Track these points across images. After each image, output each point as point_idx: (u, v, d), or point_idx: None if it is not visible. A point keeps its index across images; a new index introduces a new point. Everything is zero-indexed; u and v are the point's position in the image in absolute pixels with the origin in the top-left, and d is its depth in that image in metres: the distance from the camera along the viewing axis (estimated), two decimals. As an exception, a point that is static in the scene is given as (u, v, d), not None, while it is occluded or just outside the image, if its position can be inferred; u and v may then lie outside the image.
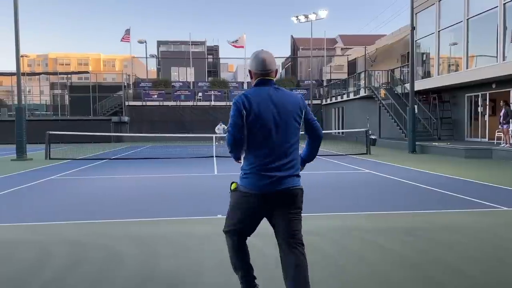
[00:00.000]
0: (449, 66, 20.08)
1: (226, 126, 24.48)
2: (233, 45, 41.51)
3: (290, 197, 2.69)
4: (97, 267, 3.86)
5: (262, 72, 2.79)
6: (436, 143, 17.49)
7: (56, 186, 9.17)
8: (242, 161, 2.74)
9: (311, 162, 2.98)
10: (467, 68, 17.93)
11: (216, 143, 24.30)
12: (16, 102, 18.14)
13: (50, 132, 17.04)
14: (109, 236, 4.96)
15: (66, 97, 37.66)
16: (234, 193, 2.77)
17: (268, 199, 2.64)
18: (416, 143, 17.39)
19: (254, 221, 2.78)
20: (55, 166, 13.47)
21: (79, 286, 3.43)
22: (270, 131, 2.61)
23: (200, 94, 36.69)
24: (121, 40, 39.42)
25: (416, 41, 20.33)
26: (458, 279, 3.51)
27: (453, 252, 4.21)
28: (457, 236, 4.80)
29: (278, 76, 45.49)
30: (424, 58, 22.19)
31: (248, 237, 2.91)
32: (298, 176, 2.77)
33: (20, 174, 11.38)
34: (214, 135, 23.46)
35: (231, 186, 2.79)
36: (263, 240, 4.67)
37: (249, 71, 2.86)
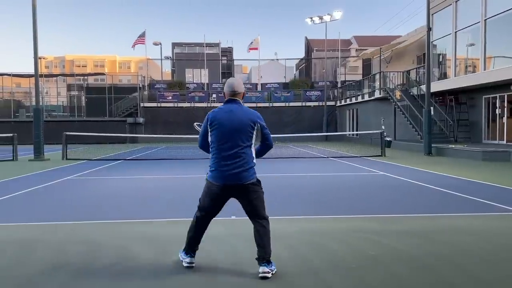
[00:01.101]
0: (466, 67, 19.78)
1: None
2: (250, 49, 41.69)
3: (244, 188, 3.64)
4: (113, 267, 3.91)
5: (230, 93, 3.71)
6: (453, 145, 17.24)
7: (73, 186, 9.31)
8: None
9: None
10: (484, 69, 17.64)
11: None
12: (34, 103, 18.46)
13: (67, 133, 17.31)
14: (124, 236, 5.01)
15: (83, 98, 38.20)
16: (206, 182, 3.75)
17: (227, 189, 3.63)
18: (432, 145, 17.16)
19: (211, 205, 3.73)
20: (71, 167, 13.67)
21: (95, 285, 3.47)
22: (226, 139, 3.56)
23: (214, 95, 36.84)
24: (133, 46, 39.60)
25: (432, 42, 20.08)
26: (474, 284, 3.45)
27: (469, 256, 4.14)
28: (474, 240, 4.72)
29: (292, 77, 45.39)
30: (441, 59, 21.91)
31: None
32: (249, 170, 3.65)
33: (37, 174, 11.58)
34: None
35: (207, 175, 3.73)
36: (277, 242, 4.67)
37: (223, 93, 3.79)
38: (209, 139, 3.68)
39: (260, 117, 3.71)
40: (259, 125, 3.67)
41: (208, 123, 3.65)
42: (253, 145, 3.71)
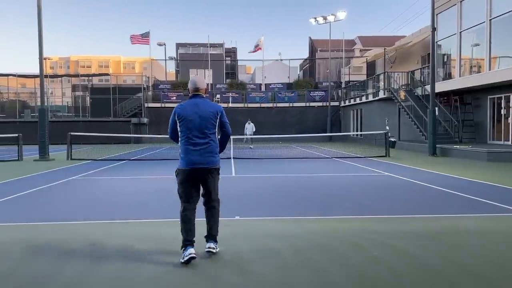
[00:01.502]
0: (471, 67, 19.69)
1: (253, 124, 24.45)
2: (255, 51, 41.78)
3: (209, 171, 4.13)
4: (117, 267, 3.92)
5: (194, 89, 4.23)
6: (458, 146, 17.16)
7: (78, 186, 9.34)
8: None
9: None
10: (489, 69, 17.55)
11: (251, 146, 23.57)
12: (39, 104, 18.56)
13: (72, 133, 17.38)
14: (129, 236, 5.02)
15: (87, 98, 38.33)
16: (178, 172, 4.15)
17: (196, 172, 4.07)
18: (437, 145, 17.09)
19: (189, 190, 4.13)
20: (76, 167, 13.72)
21: (100, 285, 3.48)
22: (193, 129, 4.07)
23: (218, 96, 36.89)
24: (133, 43, 39.66)
25: (437, 42, 20.00)
26: (479, 285, 3.43)
27: (476, 258, 4.12)
28: (480, 242, 4.70)
29: (295, 77, 45.36)
30: (445, 60, 21.81)
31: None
32: (216, 156, 4.18)
33: (42, 174, 11.64)
34: (245, 137, 23.15)
35: (175, 172, 4.17)
36: (281, 243, 4.67)
37: (188, 89, 4.28)
38: (178, 129, 4.16)
39: (221, 108, 4.25)
40: (219, 114, 4.18)
41: (176, 116, 4.15)
42: (216, 133, 4.21)
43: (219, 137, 4.32)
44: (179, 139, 4.16)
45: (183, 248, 3.98)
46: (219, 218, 4.32)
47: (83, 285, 3.48)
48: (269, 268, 3.84)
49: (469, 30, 19.07)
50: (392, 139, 20.76)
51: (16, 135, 17.23)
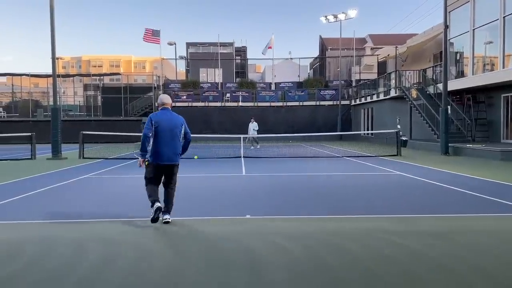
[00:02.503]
0: (484, 65, 19.44)
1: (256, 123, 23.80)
2: (268, 48, 41.79)
3: (172, 166, 5.63)
4: (130, 264, 3.95)
5: (162, 104, 5.70)
6: (470, 145, 16.96)
7: (90, 185, 9.44)
8: (149, 148, 5.49)
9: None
10: (503, 67, 17.31)
11: (252, 147, 22.17)
12: (51, 103, 18.78)
13: (84, 132, 17.55)
14: (141, 234, 5.06)
15: (99, 98, 38.68)
16: (149, 164, 5.56)
17: (164, 166, 5.56)
18: (449, 144, 16.91)
19: (158, 176, 5.62)
20: (88, 165, 13.86)
21: (113, 282, 3.52)
22: (165, 134, 5.46)
23: (228, 95, 36.92)
24: (145, 40, 39.80)
25: (449, 40, 19.78)
26: (491, 284, 3.40)
27: (488, 258, 4.08)
28: (493, 241, 4.64)
29: (306, 76, 45.11)
30: (458, 58, 21.56)
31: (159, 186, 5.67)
32: (178, 155, 5.61)
33: (55, 173, 11.77)
34: (248, 135, 22.48)
35: (145, 163, 5.55)
36: (292, 241, 4.66)
37: (158, 104, 5.78)
38: (151, 133, 5.43)
39: (184, 121, 5.71)
40: (184, 125, 5.66)
41: (153, 122, 5.44)
42: (181, 139, 5.64)
43: (182, 143, 5.70)
44: (152, 140, 5.53)
45: (152, 208, 5.38)
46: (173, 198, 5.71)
47: (97, 283, 3.51)
48: (280, 266, 3.84)
49: (482, 28, 18.82)
50: (404, 138, 20.60)
51: (29, 134, 17.44)
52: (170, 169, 5.58)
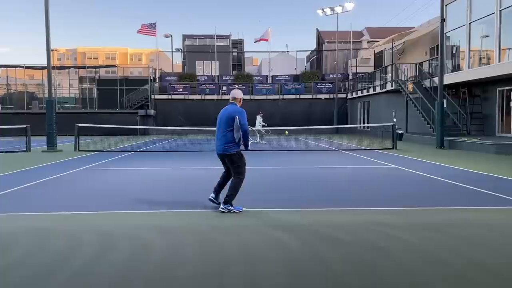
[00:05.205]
0: (480, 59, 19.47)
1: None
2: (259, 40, 41.53)
3: (223, 156, 5.86)
4: (125, 256, 3.95)
5: (231, 98, 5.98)
6: (466, 138, 17.03)
7: (85, 177, 9.42)
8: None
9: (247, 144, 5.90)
10: (499, 61, 17.34)
11: (263, 141, 21.02)
12: (46, 95, 18.66)
13: (79, 125, 17.48)
14: (136, 226, 5.06)
15: (94, 90, 38.48)
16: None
17: (218, 156, 5.95)
18: (445, 138, 16.97)
19: (224, 165, 6.04)
20: (84, 158, 13.82)
21: (108, 274, 3.52)
22: (218, 126, 5.84)
23: (224, 87, 36.83)
24: (139, 32, 39.56)
25: (446, 33, 19.76)
26: (485, 276, 3.43)
27: (482, 249, 4.11)
28: (488, 233, 4.68)
29: (302, 69, 45.05)
30: (454, 51, 21.58)
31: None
32: (229, 148, 5.72)
33: (50, 165, 11.73)
34: (255, 128, 21.45)
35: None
36: (288, 234, 4.68)
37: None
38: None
39: (240, 112, 5.70)
40: (238, 117, 5.65)
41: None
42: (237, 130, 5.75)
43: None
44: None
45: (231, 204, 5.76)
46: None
47: (91, 275, 3.52)
48: (276, 259, 3.86)
49: (478, 21, 18.82)
50: (399, 132, 20.66)
51: (24, 126, 17.36)
52: (223, 159, 5.86)
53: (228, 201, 5.71)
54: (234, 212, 5.69)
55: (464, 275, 3.46)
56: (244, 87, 36.77)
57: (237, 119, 5.61)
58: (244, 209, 5.88)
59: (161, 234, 4.71)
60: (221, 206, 5.72)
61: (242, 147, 5.82)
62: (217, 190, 6.07)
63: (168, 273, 3.53)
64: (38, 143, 19.54)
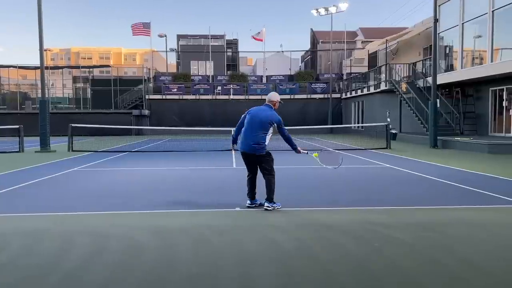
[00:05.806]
0: (473, 59, 19.60)
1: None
2: (255, 38, 41.54)
3: (254, 156, 5.88)
4: (118, 257, 3.94)
5: (267, 100, 6.04)
6: (459, 138, 17.13)
7: (79, 178, 9.37)
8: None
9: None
10: (491, 61, 17.46)
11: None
12: (40, 95, 18.54)
13: (73, 125, 17.38)
14: (129, 227, 5.05)
15: (88, 90, 38.27)
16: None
17: (243, 154, 5.96)
18: (438, 137, 17.06)
19: (246, 164, 6.10)
20: (77, 158, 13.74)
21: (101, 275, 3.51)
22: (247, 126, 5.88)
23: (219, 87, 36.78)
24: (134, 34, 39.48)
25: (439, 33, 19.87)
26: (479, 275, 3.45)
27: (476, 249, 4.14)
28: (481, 233, 4.71)
29: (297, 69, 45.03)
30: (447, 51, 21.70)
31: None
32: (257, 149, 5.84)
33: (43, 166, 11.66)
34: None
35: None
36: (282, 233, 4.69)
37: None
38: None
39: (272, 117, 5.89)
40: (271, 120, 5.87)
41: (245, 115, 6.07)
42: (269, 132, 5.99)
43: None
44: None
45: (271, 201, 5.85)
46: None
47: (83, 276, 3.50)
48: (270, 259, 3.86)
49: (471, 22, 18.94)
50: (393, 131, 20.74)
51: (17, 126, 17.23)
52: (248, 157, 5.90)
53: (271, 198, 5.82)
54: (278, 208, 5.83)
55: (459, 275, 3.48)
56: (238, 87, 36.76)
57: (276, 126, 5.88)
58: (238, 209, 5.89)
59: (155, 234, 4.70)
60: (266, 204, 5.79)
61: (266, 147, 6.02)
62: (252, 195, 6.04)
63: (162, 274, 3.52)
64: (31, 143, 19.40)
